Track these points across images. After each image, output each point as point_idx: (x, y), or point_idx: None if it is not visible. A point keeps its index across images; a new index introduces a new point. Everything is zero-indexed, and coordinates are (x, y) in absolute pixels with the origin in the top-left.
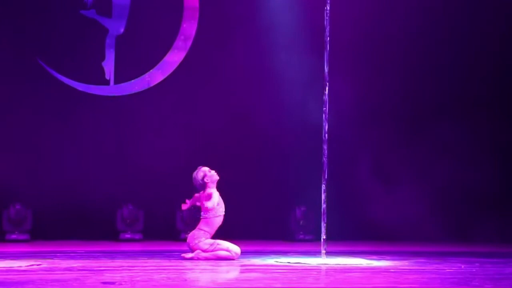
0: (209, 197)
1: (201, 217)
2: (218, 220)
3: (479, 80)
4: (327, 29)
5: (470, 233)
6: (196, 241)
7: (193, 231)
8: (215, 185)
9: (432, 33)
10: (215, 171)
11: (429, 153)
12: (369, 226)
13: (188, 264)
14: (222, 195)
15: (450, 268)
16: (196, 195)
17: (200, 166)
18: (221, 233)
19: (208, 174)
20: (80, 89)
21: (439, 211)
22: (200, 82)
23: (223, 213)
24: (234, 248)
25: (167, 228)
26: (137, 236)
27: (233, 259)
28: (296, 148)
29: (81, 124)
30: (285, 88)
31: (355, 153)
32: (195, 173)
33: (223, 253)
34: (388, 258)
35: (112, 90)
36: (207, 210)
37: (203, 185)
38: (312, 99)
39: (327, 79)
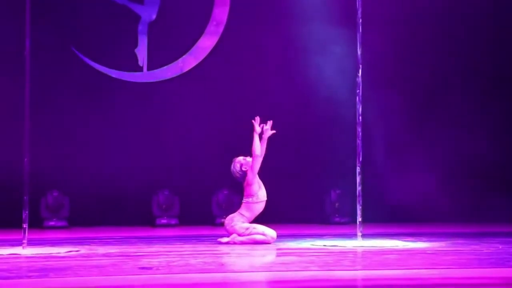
0: (248, 183)
1: (242, 201)
2: (259, 207)
3: (494, 56)
4: (359, 11)
5: (506, 213)
6: (233, 224)
7: (233, 214)
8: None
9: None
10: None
11: (459, 133)
12: (404, 208)
13: (224, 248)
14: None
15: (488, 248)
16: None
17: (234, 158)
18: (256, 218)
19: (244, 162)
20: (114, 76)
21: (475, 191)
22: (233, 67)
23: (265, 198)
24: (270, 232)
25: (203, 213)
26: (173, 221)
27: (269, 243)
28: (331, 131)
29: (116, 110)
30: (317, 72)
31: (388, 136)
32: (232, 166)
33: (259, 237)
34: (425, 239)
35: (146, 76)
36: (250, 195)
37: (244, 175)
38: (344, 83)
39: (360, 61)
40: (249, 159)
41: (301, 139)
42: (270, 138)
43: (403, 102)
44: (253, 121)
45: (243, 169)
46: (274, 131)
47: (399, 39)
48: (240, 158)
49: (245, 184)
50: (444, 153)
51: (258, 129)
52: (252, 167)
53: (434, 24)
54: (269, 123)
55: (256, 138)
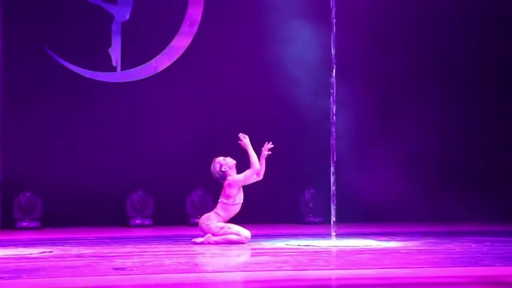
0: (230, 185)
1: (219, 200)
2: (235, 208)
3: (465, 55)
4: (333, 11)
5: (479, 213)
6: (208, 222)
7: (208, 213)
8: (234, 170)
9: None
10: (230, 157)
11: (436, 133)
12: (377, 207)
13: (198, 248)
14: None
15: (460, 247)
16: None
17: (214, 158)
18: (232, 218)
19: (223, 162)
20: (88, 76)
21: (448, 191)
22: (207, 67)
23: (241, 201)
24: (244, 232)
25: (177, 213)
26: (147, 222)
27: (243, 243)
28: (305, 131)
29: (89, 111)
30: (293, 70)
31: (363, 136)
32: (211, 167)
33: (233, 237)
34: (398, 239)
35: (119, 76)
36: (228, 196)
37: (223, 176)
38: (320, 82)
39: (334, 61)
40: (228, 159)
41: (275, 139)
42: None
43: (372, 99)
44: (265, 148)
45: (223, 169)
46: (269, 152)
47: (366, 34)
48: (220, 159)
49: (225, 184)
50: (416, 151)
51: (265, 153)
52: (246, 177)
53: (404, 19)
54: (270, 144)
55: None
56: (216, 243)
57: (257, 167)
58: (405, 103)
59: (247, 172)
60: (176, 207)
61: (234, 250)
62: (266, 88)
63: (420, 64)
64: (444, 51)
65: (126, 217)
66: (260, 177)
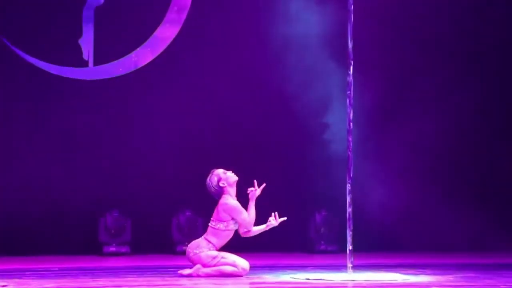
0: (224, 210)
1: (210, 225)
2: (229, 234)
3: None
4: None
5: None
6: (197, 251)
7: (197, 240)
8: (234, 188)
9: None
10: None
11: (468, 148)
12: (401, 234)
13: (186, 282)
14: None
15: (505, 284)
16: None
17: (213, 170)
18: (226, 245)
19: (223, 176)
20: (54, 72)
21: (487, 215)
22: (197, 62)
23: (236, 227)
24: (242, 263)
25: (160, 239)
26: (124, 249)
27: (240, 276)
28: (314, 144)
29: (55, 114)
30: (288, 66)
31: (381, 146)
32: (208, 178)
33: (228, 268)
34: (428, 272)
35: (92, 72)
36: (220, 220)
37: (219, 192)
38: (328, 82)
39: (351, 57)
40: (230, 174)
41: (276, 149)
42: (245, 151)
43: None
44: (250, 189)
45: (221, 184)
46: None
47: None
48: (220, 171)
49: (219, 204)
50: (445, 168)
51: (258, 192)
52: (240, 220)
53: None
54: (262, 186)
55: (252, 206)
56: (208, 275)
57: (250, 227)
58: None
59: (244, 218)
60: (159, 232)
61: (229, 285)
62: (266, 87)
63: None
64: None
65: (98, 244)
66: (248, 235)
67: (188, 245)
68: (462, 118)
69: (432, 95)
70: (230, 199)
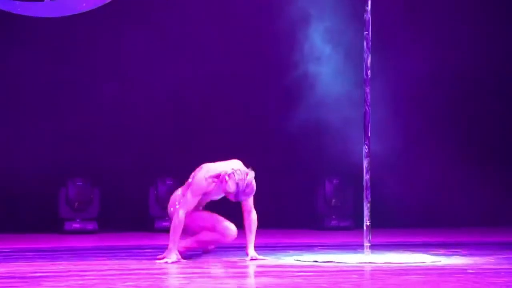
0: (195, 180)
1: (189, 180)
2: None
3: None
4: None
5: None
6: (177, 206)
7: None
8: (230, 188)
9: None
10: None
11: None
12: (428, 207)
13: (166, 265)
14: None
15: None
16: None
17: (227, 174)
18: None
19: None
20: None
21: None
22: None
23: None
24: (223, 227)
25: (135, 214)
26: (90, 226)
27: (223, 243)
28: (321, 92)
29: (5, 59)
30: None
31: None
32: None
33: (206, 236)
34: (463, 252)
35: (48, 8)
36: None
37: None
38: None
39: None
40: (251, 174)
41: (278, 106)
42: (241, 109)
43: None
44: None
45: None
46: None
47: None
48: (240, 173)
49: (200, 171)
50: (477, 136)
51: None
52: (184, 200)
53: None
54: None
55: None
56: (187, 249)
57: (181, 210)
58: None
59: (186, 200)
60: (134, 205)
61: (219, 268)
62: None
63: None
64: None
65: (59, 219)
66: (173, 215)
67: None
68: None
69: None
70: (205, 180)
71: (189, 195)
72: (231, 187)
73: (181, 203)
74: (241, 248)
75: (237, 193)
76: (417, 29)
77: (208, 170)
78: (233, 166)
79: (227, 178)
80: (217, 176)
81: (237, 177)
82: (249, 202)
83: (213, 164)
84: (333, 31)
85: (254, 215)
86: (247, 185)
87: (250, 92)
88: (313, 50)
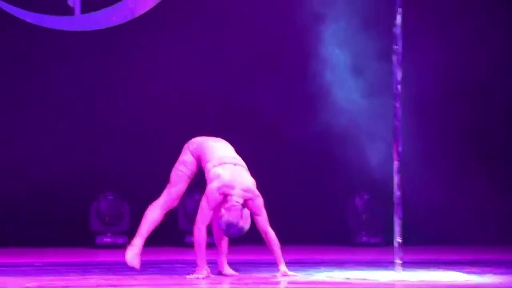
0: (206, 192)
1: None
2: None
3: None
4: None
5: None
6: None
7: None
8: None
9: None
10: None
11: None
12: (459, 224)
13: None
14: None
15: None
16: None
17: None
18: (253, 236)
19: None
20: (29, 21)
21: None
22: (207, 10)
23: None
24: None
25: (166, 228)
26: (121, 240)
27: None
28: (356, 116)
29: (32, 74)
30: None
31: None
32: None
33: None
34: (496, 271)
35: (79, 22)
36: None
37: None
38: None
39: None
40: (245, 215)
41: (308, 121)
42: (268, 123)
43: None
44: None
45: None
46: None
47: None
48: (234, 216)
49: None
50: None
51: None
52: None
53: None
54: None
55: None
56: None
57: (201, 225)
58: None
59: (202, 210)
60: (164, 219)
61: (251, 283)
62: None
63: None
64: None
65: (90, 234)
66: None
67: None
68: None
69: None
70: (218, 192)
71: (205, 208)
72: (222, 224)
73: (198, 219)
74: (273, 264)
75: (224, 232)
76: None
77: (221, 184)
78: (238, 188)
79: (223, 211)
80: (224, 196)
81: (230, 218)
82: (261, 223)
83: (220, 169)
84: (352, 38)
85: (271, 233)
86: (236, 230)
87: (275, 102)
88: (333, 59)
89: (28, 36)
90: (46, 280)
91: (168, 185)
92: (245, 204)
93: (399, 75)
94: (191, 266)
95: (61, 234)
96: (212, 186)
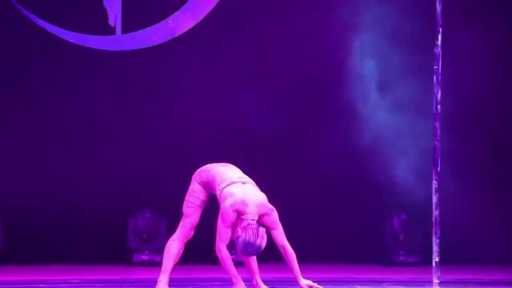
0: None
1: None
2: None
3: None
4: None
5: None
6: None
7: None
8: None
9: None
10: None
11: None
12: (499, 244)
13: None
14: (285, 202)
15: None
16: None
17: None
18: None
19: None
20: (72, 41)
21: None
22: (249, 29)
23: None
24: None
25: (204, 245)
26: (158, 258)
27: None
28: (390, 133)
29: (73, 92)
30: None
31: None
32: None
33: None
34: None
35: (120, 42)
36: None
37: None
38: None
39: (440, 23)
40: (261, 233)
41: (351, 145)
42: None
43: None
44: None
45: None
46: None
47: None
48: (251, 234)
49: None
50: None
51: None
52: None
53: None
54: None
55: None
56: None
57: (220, 244)
58: None
59: (219, 228)
60: (202, 237)
61: None
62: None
63: None
64: None
65: (127, 251)
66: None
67: None
68: None
69: None
70: (232, 210)
71: (221, 227)
72: (240, 244)
73: (217, 239)
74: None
75: (242, 251)
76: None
77: (234, 201)
78: (252, 205)
79: (239, 231)
80: (238, 214)
81: (247, 237)
82: (278, 237)
83: (232, 187)
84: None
85: (288, 247)
86: (254, 249)
87: (308, 120)
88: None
89: (65, 56)
90: None
91: (182, 218)
92: (260, 220)
93: (438, 95)
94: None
95: (98, 252)
96: (226, 204)
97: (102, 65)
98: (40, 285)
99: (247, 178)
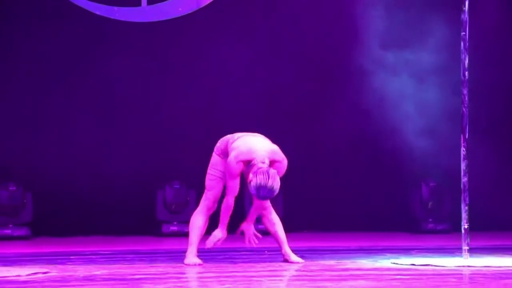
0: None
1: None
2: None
3: None
4: None
5: None
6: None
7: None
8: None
9: None
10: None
11: None
12: None
13: (260, 266)
14: (311, 172)
15: None
16: None
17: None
18: (317, 225)
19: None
20: (98, 13)
21: None
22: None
23: None
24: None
25: (234, 215)
26: (187, 228)
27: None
28: (421, 100)
29: (99, 65)
30: None
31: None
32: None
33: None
34: None
35: (145, 13)
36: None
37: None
38: None
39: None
40: (272, 175)
41: (380, 112)
42: (331, 110)
43: None
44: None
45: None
46: None
47: None
48: (262, 178)
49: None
50: None
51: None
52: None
53: None
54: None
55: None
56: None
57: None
58: None
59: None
60: (235, 207)
61: (314, 270)
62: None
63: None
64: None
65: (156, 222)
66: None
67: None
68: None
69: None
70: (236, 163)
71: (228, 180)
72: (252, 188)
73: (227, 190)
74: (338, 251)
75: (256, 195)
76: None
77: (238, 152)
78: (261, 151)
79: (251, 176)
80: (246, 163)
81: (258, 180)
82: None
83: (238, 141)
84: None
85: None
86: (266, 191)
87: (336, 94)
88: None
89: (91, 27)
90: (116, 268)
91: (205, 191)
92: (271, 166)
93: (466, 61)
94: (257, 255)
95: (128, 223)
96: (230, 157)
97: (126, 37)
98: (71, 257)
99: (259, 135)
